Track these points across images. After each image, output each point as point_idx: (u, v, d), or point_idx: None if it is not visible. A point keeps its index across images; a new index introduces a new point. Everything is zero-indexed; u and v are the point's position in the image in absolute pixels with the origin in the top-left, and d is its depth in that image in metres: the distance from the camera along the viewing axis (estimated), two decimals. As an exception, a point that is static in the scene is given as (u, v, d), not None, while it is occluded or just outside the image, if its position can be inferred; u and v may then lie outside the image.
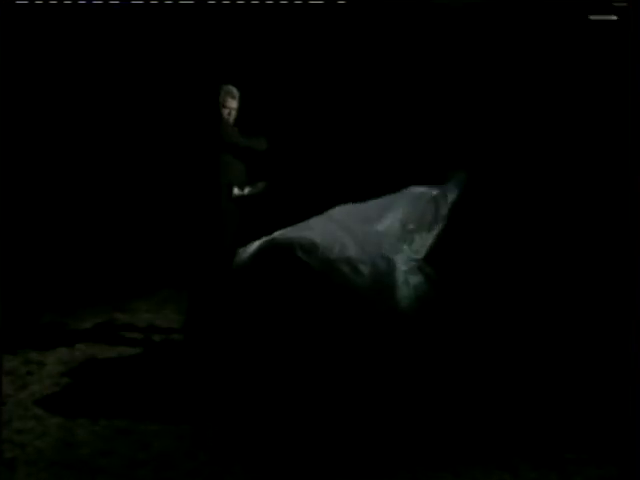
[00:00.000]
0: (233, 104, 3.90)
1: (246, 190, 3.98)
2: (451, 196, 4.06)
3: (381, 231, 3.78)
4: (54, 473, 2.67)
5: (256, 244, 3.74)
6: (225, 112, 3.87)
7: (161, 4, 5.80)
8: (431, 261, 3.79)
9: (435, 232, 3.91)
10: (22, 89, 6.04)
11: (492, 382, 3.46)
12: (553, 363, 3.71)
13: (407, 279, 3.58)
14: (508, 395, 3.33)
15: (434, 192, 4.03)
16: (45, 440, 2.93)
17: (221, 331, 3.73)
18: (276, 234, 3.68)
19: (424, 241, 3.86)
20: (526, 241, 5.29)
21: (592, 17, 5.24)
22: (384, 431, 2.99)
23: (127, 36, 6.24)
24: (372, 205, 3.94)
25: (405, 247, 3.76)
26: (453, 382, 3.43)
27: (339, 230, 3.65)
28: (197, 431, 3.02)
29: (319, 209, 3.93)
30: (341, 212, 3.87)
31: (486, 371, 3.58)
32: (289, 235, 3.61)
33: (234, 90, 3.92)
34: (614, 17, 5.11)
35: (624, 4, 4.96)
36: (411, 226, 3.84)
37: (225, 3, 5.80)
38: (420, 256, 3.77)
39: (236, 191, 3.94)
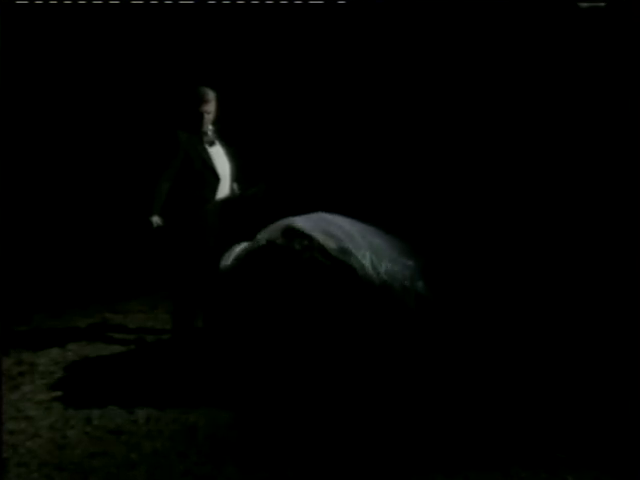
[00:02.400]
0: (208, 107, 3.77)
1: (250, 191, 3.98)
2: None
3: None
4: (46, 474, 2.66)
5: (241, 246, 3.73)
6: (199, 116, 3.75)
7: (161, 4, 5.79)
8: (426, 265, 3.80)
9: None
10: (22, 89, 6.03)
11: (484, 383, 3.48)
12: (546, 363, 3.73)
13: (411, 281, 3.60)
14: (500, 395, 3.34)
15: None
16: (37, 441, 2.93)
17: (220, 328, 3.73)
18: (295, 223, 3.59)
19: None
20: (524, 241, 5.35)
21: (581, 4, 5.27)
22: (377, 432, 3.00)
23: (126, 36, 6.23)
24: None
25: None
26: (444, 382, 3.44)
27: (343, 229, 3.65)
28: (189, 431, 3.02)
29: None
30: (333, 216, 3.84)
31: (477, 372, 3.60)
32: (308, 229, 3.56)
33: (209, 92, 3.78)
34: (602, 4, 5.13)
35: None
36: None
37: (225, 3, 5.80)
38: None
39: (235, 188, 3.93)
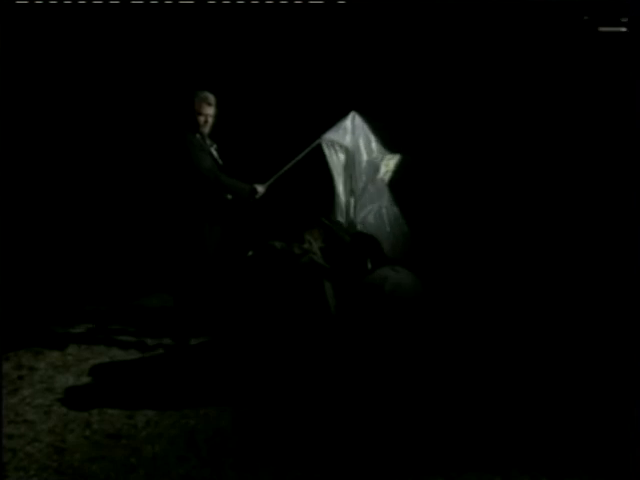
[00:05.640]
0: (209, 111, 3.79)
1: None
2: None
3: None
4: (45, 478, 2.66)
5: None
6: (201, 119, 3.78)
7: (161, 4, 5.79)
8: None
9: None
10: (23, 90, 6.02)
11: (484, 386, 3.48)
12: (546, 365, 3.73)
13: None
14: (500, 399, 3.34)
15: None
16: (36, 445, 2.93)
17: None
18: None
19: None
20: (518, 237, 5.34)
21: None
22: (377, 435, 2.99)
23: (126, 36, 6.23)
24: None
25: None
26: (444, 386, 3.44)
27: None
28: (189, 435, 3.02)
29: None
30: None
31: (477, 375, 3.59)
32: None
33: (210, 96, 3.81)
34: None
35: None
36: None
37: (225, 3, 5.80)
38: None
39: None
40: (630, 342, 3.59)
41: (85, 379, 3.64)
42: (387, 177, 3.95)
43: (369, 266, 3.66)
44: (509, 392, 3.40)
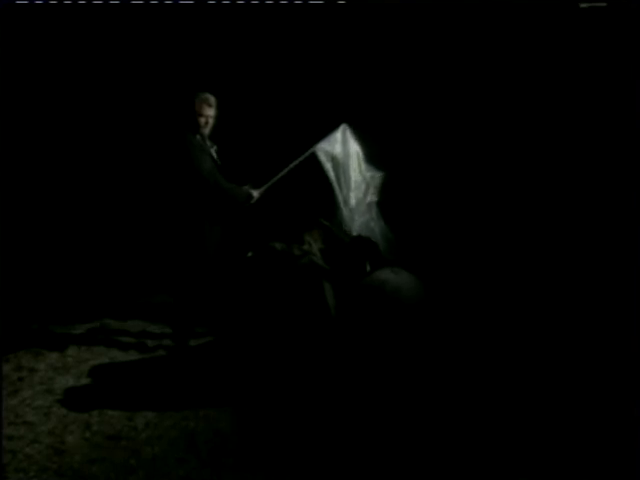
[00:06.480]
0: (209, 112, 3.81)
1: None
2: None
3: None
4: (45, 480, 2.67)
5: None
6: (201, 121, 3.79)
7: (161, 4, 5.78)
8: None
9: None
10: (23, 90, 6.03)
11: (483, 388, 3.48)
12: (547, 367, 3.72)
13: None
14: (500, 401, 3.34)
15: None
16: (36, 447, 2.93)
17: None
18: None
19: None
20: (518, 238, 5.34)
21: (582, 5, 5.25)
22: (376, 437, 2.99)
23: (126, 37, 6.23)
24: None
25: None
26: (444, 389, 3.44)
27: None
28: (189, 437, 3.02)
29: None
30: None
31: (476, 377, 3.59)
32: None
33: (211, 98, 3.83)
34: (604, 4, 5.11)
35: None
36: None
37: (225, 3, 5.80)
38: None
39: None
40: (630, 342, 3.59)
41: (85, 380, 3.65)
42: (375, 194, 4.10)
43: (368, 268, 3.66)
44: (509, 394, 3.40)
